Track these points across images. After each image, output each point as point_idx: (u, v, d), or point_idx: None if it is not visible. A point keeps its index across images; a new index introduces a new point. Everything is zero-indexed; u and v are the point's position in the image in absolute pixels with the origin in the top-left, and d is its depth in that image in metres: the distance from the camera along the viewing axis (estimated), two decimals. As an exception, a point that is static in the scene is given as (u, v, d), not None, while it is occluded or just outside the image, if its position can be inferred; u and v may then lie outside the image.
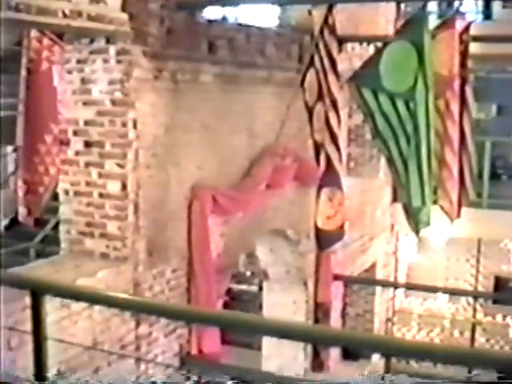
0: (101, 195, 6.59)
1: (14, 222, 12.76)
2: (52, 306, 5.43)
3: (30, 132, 8.68)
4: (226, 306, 10.98)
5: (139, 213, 6.55)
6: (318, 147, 8.70)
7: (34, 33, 8.37)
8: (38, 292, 3.15)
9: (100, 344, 6.15)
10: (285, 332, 2.68)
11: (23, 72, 8.70)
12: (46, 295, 3.18)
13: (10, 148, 14.77)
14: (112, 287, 6.23)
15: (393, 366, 14.79)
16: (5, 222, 13.92)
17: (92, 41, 6.51)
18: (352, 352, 12.77)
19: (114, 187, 6.51)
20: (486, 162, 14.41)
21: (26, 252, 10.91)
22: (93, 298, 3.22)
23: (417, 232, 11.09)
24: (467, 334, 14.95)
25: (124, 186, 6.48)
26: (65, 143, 6.72)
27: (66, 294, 3.28)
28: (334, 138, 8.67)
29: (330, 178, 9.10)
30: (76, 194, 6.72)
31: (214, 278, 7.33)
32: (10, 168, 14.71)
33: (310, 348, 10.49)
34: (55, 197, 7.09)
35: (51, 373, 5.33)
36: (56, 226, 9.03)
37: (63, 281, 5.58)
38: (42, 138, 8.74)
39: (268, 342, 10.59)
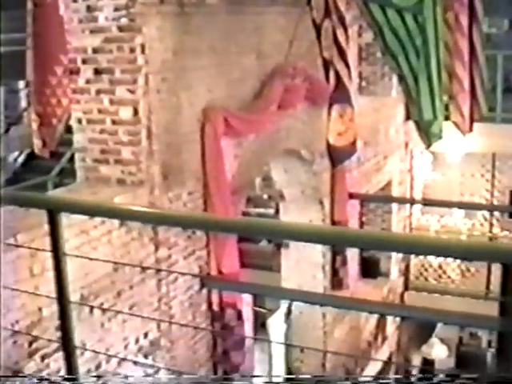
0: (113, 122, 6.63)
1: (30, 157, 12.88)
2: (71, 233, 5.53)
3: (40, 65, 8.67)
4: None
5: (152, 137, 6.60)
6: (326, 64, 8.69)
7: (37, -35, 8.30)
8: (54, 210, 3.19)
9: (120, 268, 6.25)
10: (303, 234, 2.69)
11: (29, 5, 8.67)
12: (62, 213, 3.22)
13: (21, 83, 14.81)
14: (129, 212, 6.31)
15: (411, 284, 15.00)
16: (22, 157, 14.05)
17: (96, -33, 6.48)
18: (371, 270, 12.91)
19: (125, 113, 6.54)
20: (498, 76, 14.31)
21: (44, 185, 11.02)
22: (110, 213, 3.25)
23: (429, 145, 11.11)
24: (484, 248, 15.00)
25: (136, 112, 6.51)
26: (74, 72, 6.74)
27: (82, 210, 3.32)
28: (342, 55, 8.65)
29: (339, 95, 9.11)
30: (89, 122, 6.77)
31: (229, 200, 7.40)
32: (23, 104, 14.78)
33: (328, 267, 10.62)
34: (69, 129, 7.11)
35: (74, 297, 5.51)
36: (72, 159, 9.11)
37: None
38: (52, 69, 8.73)
39: (287, 263, 10.74)
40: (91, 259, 5.73)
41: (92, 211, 3.38)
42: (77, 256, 5.28)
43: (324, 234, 2.72)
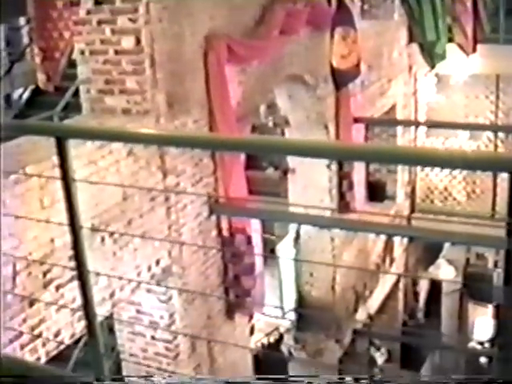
0: (116, 52, 6.61)
1: (35, 93, 12.86)
2: (80, 163, 5.58)
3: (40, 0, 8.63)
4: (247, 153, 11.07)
5: (156, 66, 6.59)
6: (328, -13, 8.60)
7: None
8: (62, 137, 3.21)
9: (130, 197, 6.31)
10: (310, 150, 2.70)
11: None
12: (69, 139, 3.25)
13: (22, 20, 14.71)
14: (136, 142, 6.34)
15: (417, 206, 15.08)
16: (26, 94, 14.02)
17: None
18: (377, 194, 12.98)
19: (128, 42, 6.52)
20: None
21: (50, 120, 11.03)
22: (119, 136, 3.26)
23: (432, 67, 11.09)
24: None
25: (138, 41, 6.49)
26: (75, 4, 6.70)
27: (90, 136, 3.33)
28: (344, -24, 8.55)
29: (342, 17, 9.04)
30: (92, 53, 6.75)
31: (234, 127, 7.42)
32: (26, 41, 14.69)
33: (335, 191, 10.68)
34: (73, 64, 7.10)
35: (86, 225, 5.58)
36: (76, 93, 9.11)
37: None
38: (53, 3, 8.68)
39: (294, 189, 10.80)
40: (98, 183, 5.78)
41: (100, 136, 3.39)
42: (86, 181, 5.36)
43: (331, 149, 2.73)
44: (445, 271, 15.66)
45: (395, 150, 2.79)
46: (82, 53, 6.79)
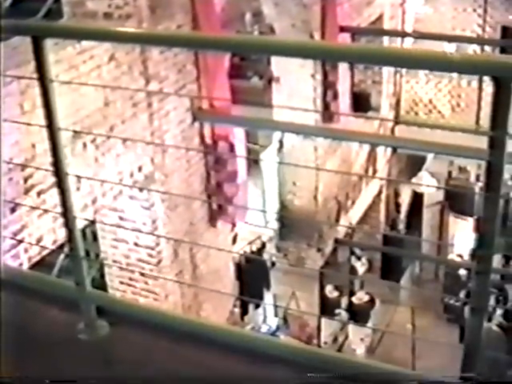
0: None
1: (16, 0, 12.60)
2: (60, 68, 5.51)
3: None
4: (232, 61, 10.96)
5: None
6: None
7: None
8: (39, 37, 3.11)
9: (112, 103, 6.25)
10: (295, 49, 2.64)
11: None
12: (47, 38, 3.15)
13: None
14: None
15: (401, 118, 15.03)
16: (8, 1, 13.73)
17: None
18: (362, 104, 12.91)
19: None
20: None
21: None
22: (97, 35, 3.16)
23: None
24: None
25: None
26: None
27: (68, 34, 3.23)
28: None
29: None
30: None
31: (219, 33, 7.30)
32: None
33: (319, 100, 10.62)
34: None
35: (66, 133, 5.54)
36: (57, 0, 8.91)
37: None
38: None
39: (278, 98, 10.72)
40: (77, 84, 5.71)
41: (78, 34, 3.28)
42: (64, 82, 5.29)
43: (315, 48, 2.66)
44: (427, 183, 15.73)
45: (381, 51, 2.74)
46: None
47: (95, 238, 8.33)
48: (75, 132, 5.74)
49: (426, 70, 11.12)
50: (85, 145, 5.97)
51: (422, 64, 2.63)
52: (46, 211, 5.55)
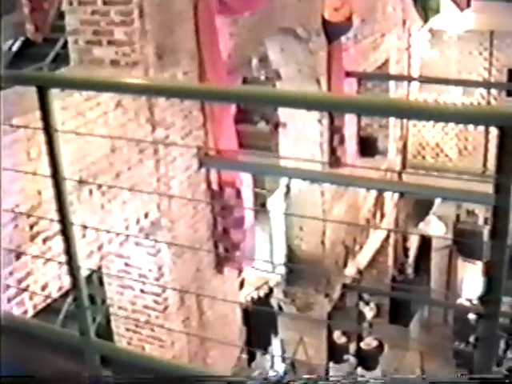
0: (105, 2, 6.49)
1: (25, 45, 12.74)
2: (67, 115, 5.51)
3: None
4: (238, 106, 11.01)
5: (145, 17, 6.47)
6: None
7: None
8: (43, 87, 3.14)
9: (118, 149, 6.24)
10: (301, 101, 2.65)
11: None
12: (51, 89, 3.17)
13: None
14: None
15: (409, 162, 15.06)
16: (16, 45, 13.88)
17: None
18: (369, 149, 12.94)
19: (116, -8, 6.42)
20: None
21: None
22: (101, 86, 3.17)
23: (426, 21, 10.99)
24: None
25: (127, -9, 6.38)
26: (63, -48, 6.58)
27: (72, 85, 3.25)
28: None
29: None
30: (80, 3, 6.62)
31: (225, 80, 7.34)
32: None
33: (326, 145, 10.63)
34: (62, 15, 6.98)
35: (74, 177, 5.54)
36: (65, 45, 8.99)
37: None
38: (41, -48, 8.57)
39: (285, 143, 10.74)
40: (82, 134, 5.71)
41: (82, 85, 3.31)
42: (68, 132, 5.29)
43: (322, 100, 2.68)
44: (435, 227, 15.69)
45: (387, 102, 2.74)
46: (71, 3, 6.65)
47: (101, 282, 8.29)
48: (80, 181, 5.72)
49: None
50: (91, 191, 5.95)
51: (427, 116, 2.64)
52: (49, 260, 5.51)
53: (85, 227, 5.50)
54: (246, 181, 7.97)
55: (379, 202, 13.39)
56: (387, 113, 3.01)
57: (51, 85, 3.15)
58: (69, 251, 3.44)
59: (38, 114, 4.76)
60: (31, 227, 5.42)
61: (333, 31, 9.72)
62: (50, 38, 9.95)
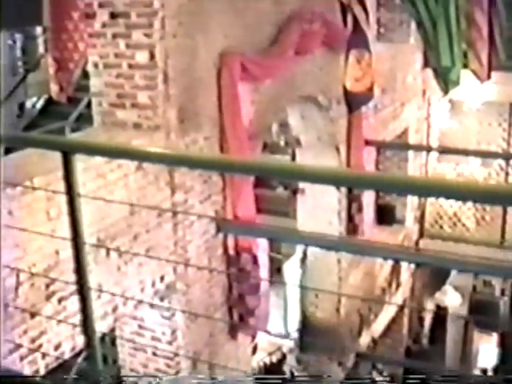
0: (130, 66, 6.60)
1: (48, 103, 12.91)
2: (88, 177, 5.56)
3: (57, 10, 8.65)
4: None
5: (169, 81, 6.57)
6: (344, 8, 8.62)
7: None
8: (68, 152, 3.20)
9: (137, 212, 6.28)
10: (319, 176, 2.68)
11: (45, -49, 8.61)
12: (76, 155, 3.23)
13: (39, 29, 14.77)
14: (146, 156, 6.31)
15: (426, 231, 15.02)
16: (40, 103, 14.07)
17: None
18: (386, 217, 12.93)
19: (142, 57, 6.52)
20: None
21: (62, 131, 11.05)
22: (124, 154, 3.24)
23: (446, 92, 11.09)
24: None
25: (152, 56, 6.48)
26: (91, 16, 6.70)
27: (96, 151, 3.32)
28: (360, -1, 8.58)
29: (357, 40, 9.05)
30: (105, 66, 6.74)
31: (246, 145, 7.40)
32: (41, 50, 14.75)
33: (344, 213, 10.64)
34: (86, 75, 7.10)
35: (90, 241, 5.56)
36: (89, 104, 9.09)
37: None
38: (69, 14, 8.71)
39: (303, 209, 10.76)
40: (104, 200, 5.75)
41: (106, 152, 3.39)
42: (90, 197, 5.32)
43: (340, 176, 2.71)
44: (451, 298, 15.56)
45: (405, 180, 2.75)
46: (96, 65, 6.78)
47: (114, 343, 8.25)
48: (100, 246, 5.75)
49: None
50: (108, 252, 5.96)
51: (446, 194, 2.64)
52: (62, 321, 5.51)
53: (101, 291, 5.51)
54: (262, 245, 7.97)
55: (395, 271, 13.32)
56: (404, 190, 3.03)
57: (76, 150, 3.22)
58: (84, 312, 3.45)
59: (59, 174, 4.85)
60: (47, 286, 5.43)
61: (354, 101, 9.81)
62: (74, 97, 10.08)
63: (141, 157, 3.26)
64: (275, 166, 2.89)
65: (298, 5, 8.30)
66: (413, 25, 12.23)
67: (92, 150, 3.30)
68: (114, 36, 6.61)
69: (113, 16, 6.58)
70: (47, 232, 5.23)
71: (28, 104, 15.16)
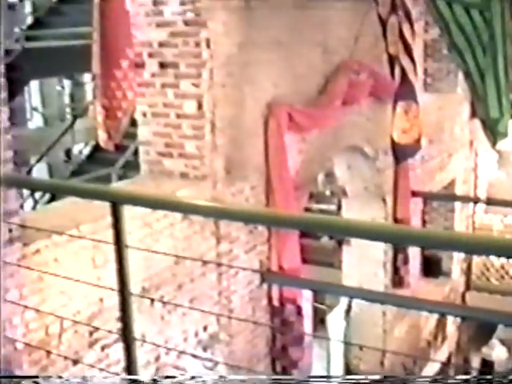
0: (178, 115, 6.65)
1: (95, 149, 13.07)
2: (134, 225, 5.57)
3: (106, 58, 8.75)
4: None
5: (216, 131, 6.61)
6: (392, 60, 8.63)
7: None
8: (117, 203, 3.22)
9: (182, 261, 6.27)
10: (367, 232, 2.67)
11: None
12: (125, 205, 3.25)
13: (87, 76, 15.05)
14: (192, 205, 6.33)
15: (472, 284, 14.80)
16: (87, 149, 14.26)
17: (161, -38, 6.52)
18: (432, 269, 12.79)
19: (190, 107, 6.56)
20: None
21: (108, 177, 11.17)
22: (173, 206, 3.29)
23: (494, 144, 11.00)
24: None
25: (200, 106, 6.53)
26: (140, 66, 6.78)
27: (145, 203, 3.35)
28: (408, 50, 8.58)
29: (405, 91, 9.03)
30: (153, 115, 6.81)
31: (292, 195, 7.38)
32: (89, 97, 15.01)
33: (389, 265, 10.53)
34: (134, 122, 7.18)
35: (135, 290, 5.55)
36: (136, 152, 9.17)
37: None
38: (118, 63, 8.81)
39: (348, 260, 10.68)
40: (152, 252, 5.75)
41: (154, 204, 3.43)
42: (138, 249, 5.33)
43: (387, 232, 2.69)
44: (498, 352, 15.27)
45: (450, 237, 2.71)
46: (144, 115, 6.85)
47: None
48: (146, 298, 5.74)
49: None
50: (152, 301, 5.96)
51: (493, 251, 2.60)
52: (105, 370, 5.49)
53: (145, 341, 5.48)
54: (306, 295, 7.91)
55: (441, 324, 13.12)
56: (451, 248, 2.98)
57: (124, 201, 3.25)
58: (128, 360, 3.44)
59: (105, 222, 4.87)
60: (91, 334, 5.43)
61: (401, 152, 9.77)
62: (121, 144, 10.19)
63: (188, 209, 3.29)
64: (321, 220, 2.86)
65: (346, 55, 8.32)
66: (460, 75, 12.20)
67: (141, 202, 3.33)
68: (163, 85, 6.68)
69: (162, 66, 6.65)
70: (93, 279, 5.23)
71: (75, 150, 15.39)
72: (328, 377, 8.05)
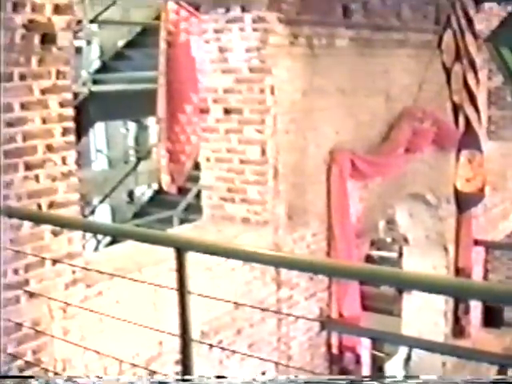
0: (241, 161, 6.71)
1: (158, 192, 13.21)
2: (196, 269, 5.58)
3: (171, 103, 8.88)
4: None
5: (279, 177, 6.64)
6: (456, 109, 8.58)
7: (170, 5, 8.55)
8: (181, 249, 3.28)
9: (241, 306, 6.27)
10: (428, 285, 2.66)
11: (162, 45, 8.91)
12: (189, 251, 3.31)
13: (152, 120, 15.26)
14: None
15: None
16: (149, 191, 14.42)
17: (228, 10, 6.62)
18: (494, 319, 12.55)
19: (253, 153, 6.62)
20: None
21: (170, 220, 11.27)
22: (235, 254, 3.34)
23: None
24: None
25: (263, 152, 6.57)
26: (205, 111, 6.87)
27: (208, 250, 3.40)
28: (472, 99, 8.52)
29: (469, 140, 8.96)
30: (217, 160, 6.88)
31: (353, 243, 7.36)
32: (153, 140, 15.21)
33: (450, 314, 10.38)
34: (196, 165, 7.26)
35: (195, 333, 5.56)
36: (198, 195, 9.24)
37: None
38: (183, 107, 8.93)
39: (408, 308, 10.56)
40: (214, 298, 5.76)
41: (218, 252, 3.47)
42: (201, 295, 5.35)
43: (447, 286, 2.68)
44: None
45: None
46: (208, 159, 6.92)
47: None
48: (203, 343, 5.75)
49: None
50: (211, 346, 5.96)
51: None
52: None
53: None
54: (364, 342, 7.84)
55: (503, 375, 12.84)
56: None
57: (189, 248, 3.30)
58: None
59: (167, 265, 4.91)
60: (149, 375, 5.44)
61: (464, 202, 9.66)
62: (183, 186, 10.30)
63: (249, 257, 3.33)
64: (381, 272, 2.86)
65: (410, 103, 8.31)
66: (524, 122, 12.11)
67: (205, 249, 3.38)
68: (227, 131, 6.76)
69: (226, 111, 6.73)
70: (153, 322, 5.26)
71: (138, 192, 15.56)
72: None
